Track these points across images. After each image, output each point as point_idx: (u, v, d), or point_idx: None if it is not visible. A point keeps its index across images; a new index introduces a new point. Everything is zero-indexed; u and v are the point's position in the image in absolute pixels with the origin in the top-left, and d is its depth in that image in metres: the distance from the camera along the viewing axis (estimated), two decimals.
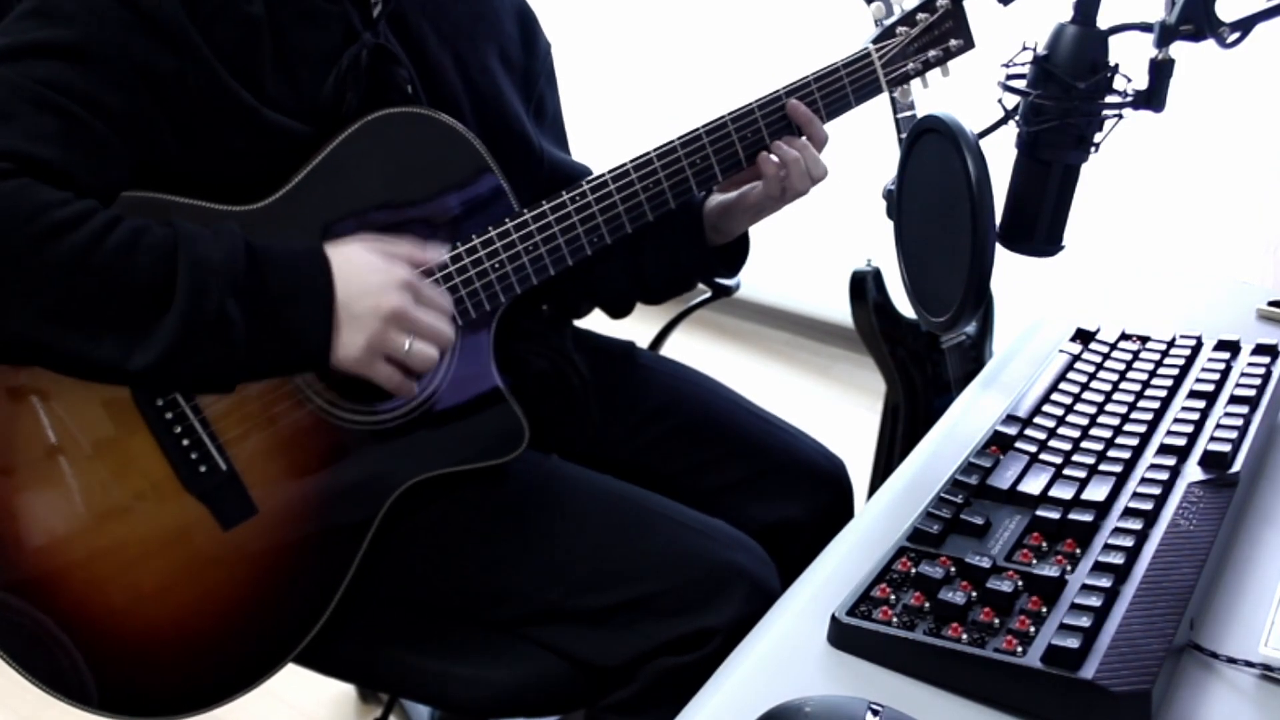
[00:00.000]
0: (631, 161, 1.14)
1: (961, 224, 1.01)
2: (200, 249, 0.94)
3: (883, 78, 1.18)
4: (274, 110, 1.03)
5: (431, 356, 1.03)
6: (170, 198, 1.01)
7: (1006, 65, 1.04)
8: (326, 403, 1.08)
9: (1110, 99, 1.00)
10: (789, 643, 0.80)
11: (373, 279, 1.00)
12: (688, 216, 1.24)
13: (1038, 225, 1.06)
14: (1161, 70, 1.00)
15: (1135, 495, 0.88)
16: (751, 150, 1.16)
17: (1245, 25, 0.96)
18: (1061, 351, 1.12)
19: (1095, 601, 0.74)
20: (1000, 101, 1.05)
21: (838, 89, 1.17)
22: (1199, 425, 0.98)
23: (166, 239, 0.94)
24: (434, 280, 1.08)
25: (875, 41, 1.18)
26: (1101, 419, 1.00)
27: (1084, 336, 1.16)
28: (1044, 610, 0.76)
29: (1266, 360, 1.09)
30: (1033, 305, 1.34)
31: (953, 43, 1.19)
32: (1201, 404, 1.01)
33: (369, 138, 1.06)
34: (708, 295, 1.63)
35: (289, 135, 1.04)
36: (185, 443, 1.02)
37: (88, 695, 1.02)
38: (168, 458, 1.02)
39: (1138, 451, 0.95)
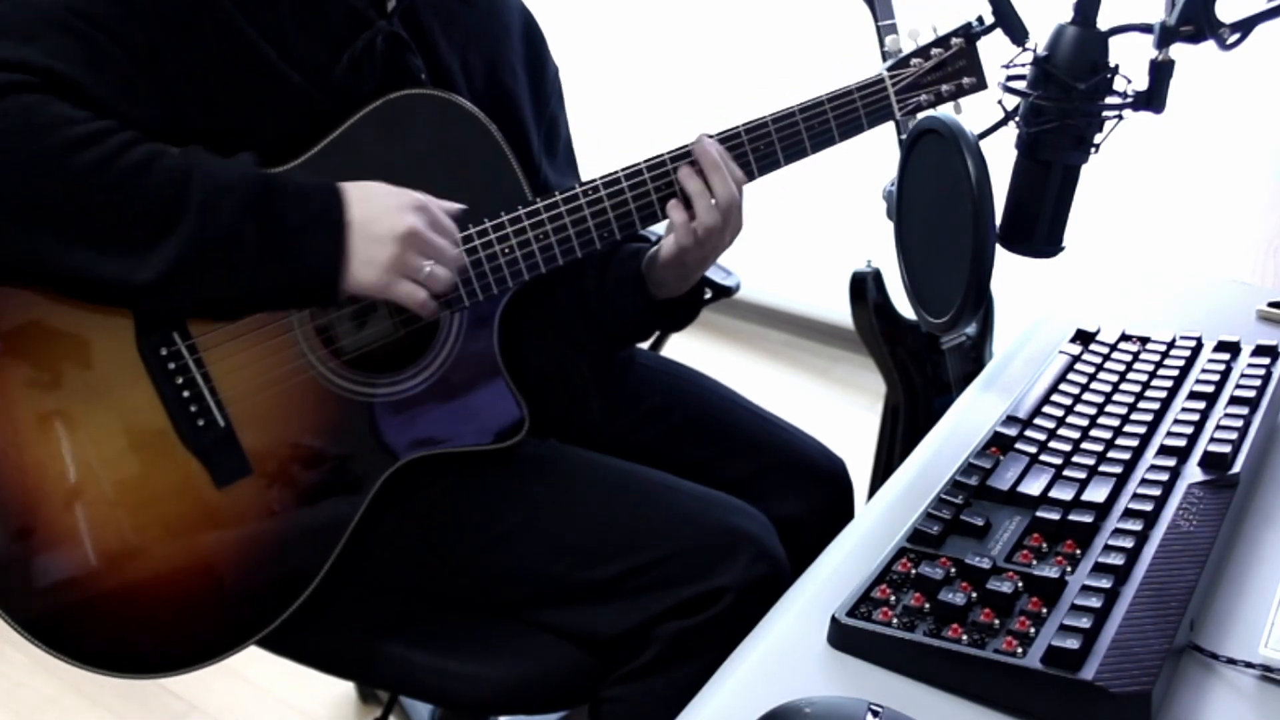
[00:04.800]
0: (645, 161, 1.14)
1: (962, 225, 1.01)
2: (216, 169, 0.96)
3: (895, 104, 1.19)
4: (292, 68, 1.04)
5: (448, 279, 1.05)
6: None
7: (1006, 66, 1.04)
8: (329, 370, 1.09)
9: (1110, 100, 1.01)
10: (789, 643, 0.80)
11: (389, 201, 1.02)
12: (630, 266, 1.23)
13: (1038, 226, 1.06)
14: (1161, 71, 1.00)
15: (1135, 496, 0.88)
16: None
17: (1245, 26, 0.97)
18: (1061, 352, 1.12)
19: (1095, 602, 0.74)
20: (1000, 102, 1.05)
21: (850, 110, 1.18)
22: (1199, 426, 0.98)
23: (182, 159, 0.96)
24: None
25: (890, 69, 1.20)
26: (1101, 420, 1.00)
27: (1084, 337, 1.16)
28: (1044, 611, 0.76)
29: (1266, 361, 1.09)
30: (1033, 306, 1.34)
31: (965, 80, 1.21)
32: (1201, 405, 1.01)
33: (388, 116, 1.08)
34: (708, 296, 1.63)
35: (304, 99, 1.05)
36: (185, 394, 1.03)
37: (67, 645, 1.02)
38: (166, 409, 1.03)
39: (1138, 452, 0.95)
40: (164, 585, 1.05)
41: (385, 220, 1.01)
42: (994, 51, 1.12)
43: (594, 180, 1.13)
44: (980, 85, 1.22)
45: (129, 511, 1.03)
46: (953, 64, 1.20)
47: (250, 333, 1.05)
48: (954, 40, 1.20)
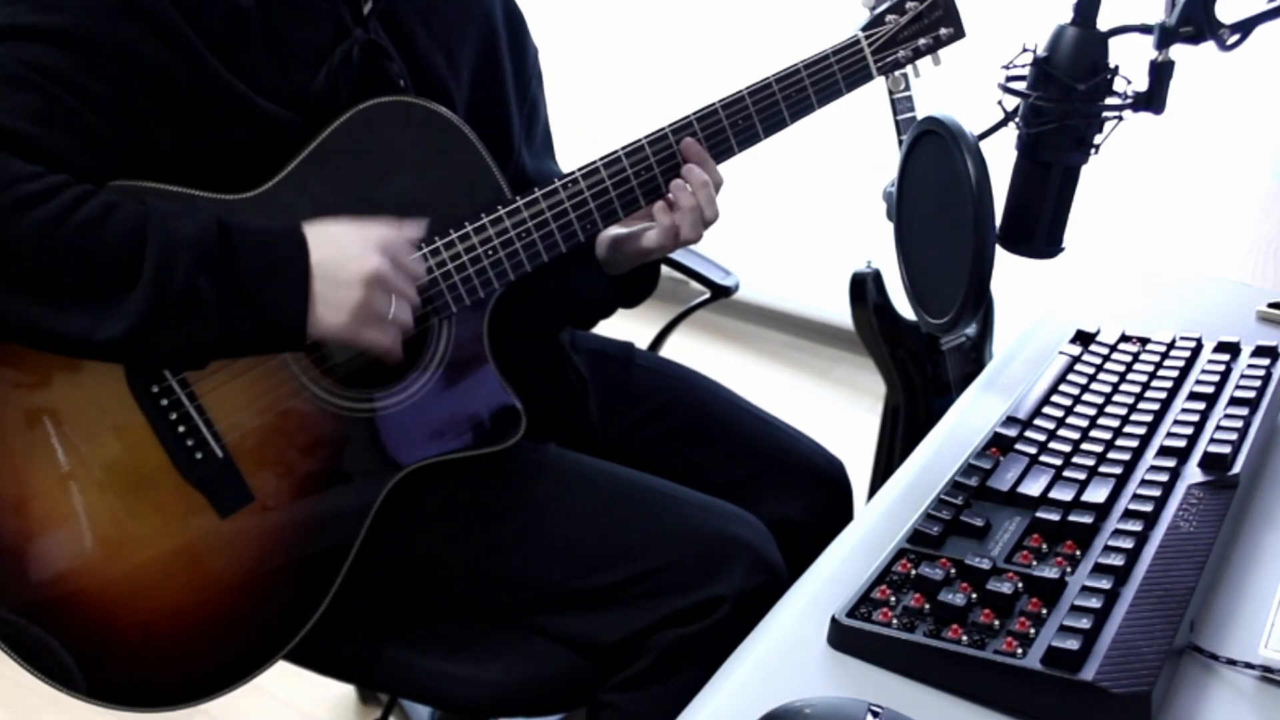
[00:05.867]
0: (623, 148, 1.14)
1: (961, 225, 1.01)
2: (171, 225, 0.94)
3: (873, 64, 1.18)
4: (266, 99, 1.03)
5: (409, 321, 1.04)
6: (160, 186, 1.02)
7: (1006, 67, 1.04)
8: (322, 390, 1.08)
9: (1110, 101, 1.00)
10: (789, 644, 0.80)
11: (351, 244, 1.00)
12: (585, 246, 1.22)
13: (1038, 227, 1.06)
14: (1161, 72, 1.00)
15: (1135, 497, 0.88)
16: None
17: (1245, 27, 0.96)
18: (1061, 353, 1.12)
19: (1095, 603, 0.74)
20: (1000, 103, 1.05)
21: (828, 75, 1.17)
22: (1199, 427, 0.98)
23: (137, 215, 0.94)
24: (422, 257, 1.09)
25: (865, 29, 1.18)
26: (1101, 420, 1.00)
27: (1084, 338, 1.16)
28: (1044, 612, 0.76)
29: (1266, 362, 1.09)
30: (1033, 306, 1.34)
31: (943, 31, 1.19)
32: (1201, 405, 1.01)
33: (361, 126, 1.07)
34: (707, 296, 1.63)
35: (281, 125, 1.04)
36: (181, 429, 1.03)
37: (79, 684, 1.02)
38: (163, 445, 1.02)
39: (1138, 453, 0.95)
40: (182, 616, 1.05)
41: (350, 264, 0.99)
42: (994, 52, 1.11)
43: (572, 172, 1.13)
44: (958, 34, 1.20)
45: (136, 548, 1.03)
46: (929, 15, 1.18)
47: (240, 360, 1.05)
48: None
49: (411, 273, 1.05)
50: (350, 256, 0.99)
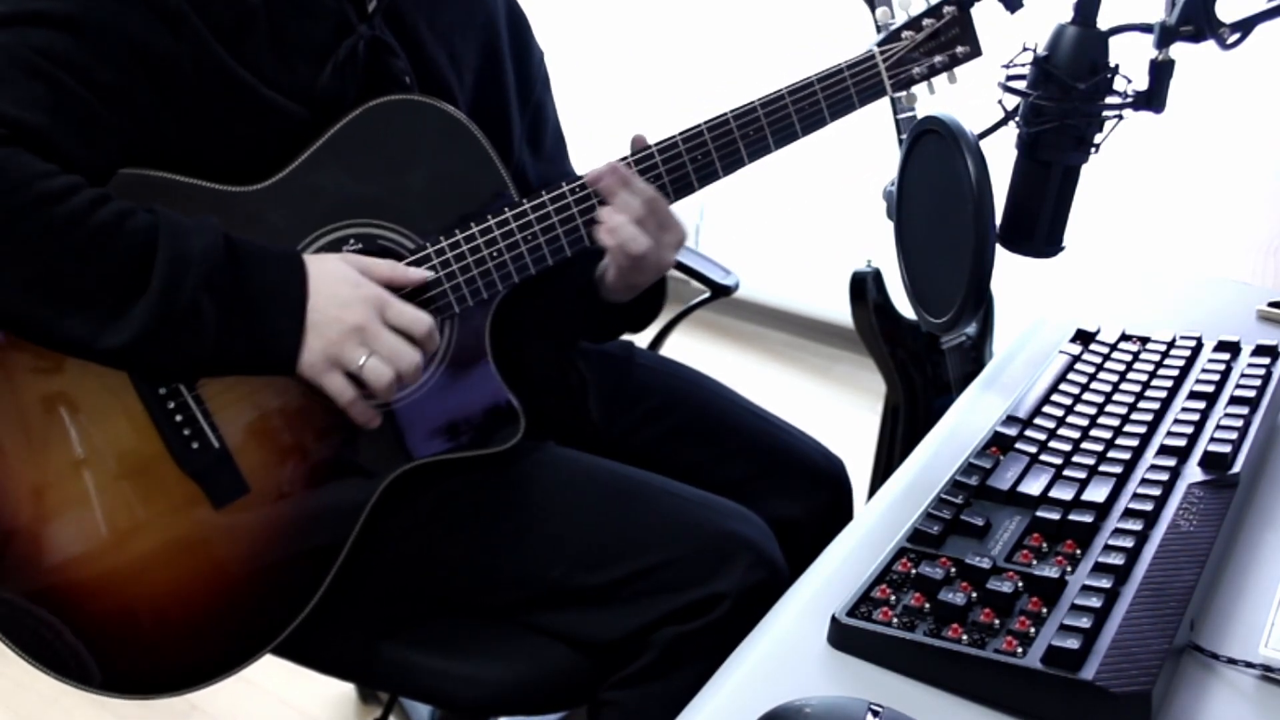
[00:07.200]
0: (632, 155, 1.14)
1: (962, 225, 1.01)
2: (180, 241, 0.95)
3: (887, 80, 1.18)
4: (272, 91, 1.03)
5: (386, 376, 1.02)
6: (168, 176, 1.02)
7: (1006, 66, 1.04)
8: None
9: (1110, 100, 1.01)
10: (789, 643, 0.80)
11: (344, 291, 1.01)
12: (584, 273, 1.21)
13: (1038, 226, 1.06)
14: (1161, 71, 1.00)
15: (1135, 496, 0.88)
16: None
17: (1245, 26, 0.97)
18: (1062, 352, 1.12)
19: (1095, 602, 0.74)
20: (1000, 102, 1.05)
21: (841, 90, 1.17)
22: (1199, 426, 0.98)
23: (149, 225, 0.95)
24: (429, 267, 1.08)
25: (880, 45, 1.18)
26: (1102, 420, 1.00)
27: (1084, 337, 1.16)
28: (1044, 611, 0.76)
29: (1266, 361, 1.09)
30: (1033, 306, 1.34)
31: (959, 50, 1.18)
32: (1202, 405, 1.01)
33: (370, 124, 1.07)
34: (707, 295, 1.63)
35: (288, 117, 1.05)
36: (179, 418, 1.03)
37: (80, 673, 1.02)
38: (160, 433, 1.03)
39: (1138, 452, 0.95)
40: (173, 605, 1.05)
41: (333, 309, 1.00)
42: (994, 52, 1.11)
43: (580, 177, 1.13)
44: (975, 53, 1.19)
45: (128, 536, 1.03)
46: (945, 33, 1.17)
47: None
48: (946, 9, 1.17)
49: (406, 329, 1.03)
50: (339, 302, 1.00)
